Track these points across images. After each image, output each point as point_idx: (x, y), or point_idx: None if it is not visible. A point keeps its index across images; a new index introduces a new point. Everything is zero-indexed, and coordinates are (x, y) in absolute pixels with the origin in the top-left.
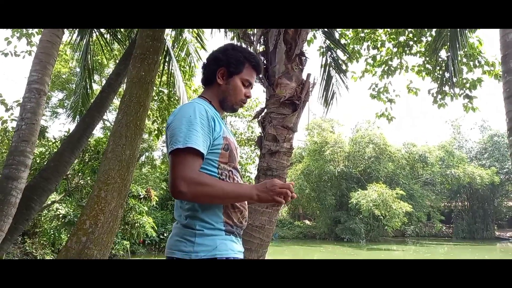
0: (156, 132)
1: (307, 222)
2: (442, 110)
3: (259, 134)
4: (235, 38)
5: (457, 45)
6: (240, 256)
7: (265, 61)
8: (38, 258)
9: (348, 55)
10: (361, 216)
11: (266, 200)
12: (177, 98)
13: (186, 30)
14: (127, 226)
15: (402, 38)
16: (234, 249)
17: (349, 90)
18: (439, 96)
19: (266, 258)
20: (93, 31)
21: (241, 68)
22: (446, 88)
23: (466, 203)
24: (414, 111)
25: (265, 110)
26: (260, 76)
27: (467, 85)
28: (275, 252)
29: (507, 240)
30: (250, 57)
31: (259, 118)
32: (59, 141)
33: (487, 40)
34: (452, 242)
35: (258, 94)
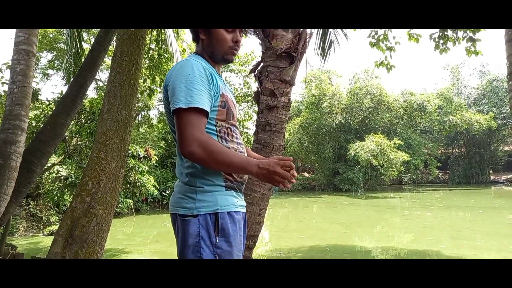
0: (148, 91)
1: (306, 174)
2: (441, 58)
3: (256, 89)
4: None
5: None
6: (242, 210)
7: None
8: (43, 218)
9: None
10: (359, 166)
11: (265, 180)
12: (167, 56)
13: None
14: (128, 185)
15: None
16: (236, 203)
17: (348, 39)
18: (441, 41)
19: (267, 210)
20: None
21: None
22: (449, 32)
23: (462, 149)
24: (413, 59)
25: (261, 64)
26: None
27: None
28: (275, 205)
29: (501, 183)
30: None
31: (256, 72)
32: (53, 103)
33: None
34: (448, 187)
35: (253, 47)
